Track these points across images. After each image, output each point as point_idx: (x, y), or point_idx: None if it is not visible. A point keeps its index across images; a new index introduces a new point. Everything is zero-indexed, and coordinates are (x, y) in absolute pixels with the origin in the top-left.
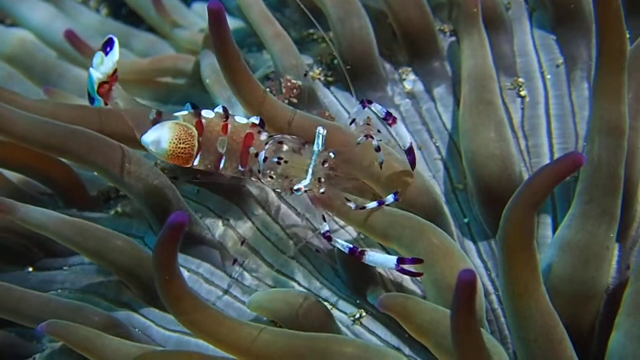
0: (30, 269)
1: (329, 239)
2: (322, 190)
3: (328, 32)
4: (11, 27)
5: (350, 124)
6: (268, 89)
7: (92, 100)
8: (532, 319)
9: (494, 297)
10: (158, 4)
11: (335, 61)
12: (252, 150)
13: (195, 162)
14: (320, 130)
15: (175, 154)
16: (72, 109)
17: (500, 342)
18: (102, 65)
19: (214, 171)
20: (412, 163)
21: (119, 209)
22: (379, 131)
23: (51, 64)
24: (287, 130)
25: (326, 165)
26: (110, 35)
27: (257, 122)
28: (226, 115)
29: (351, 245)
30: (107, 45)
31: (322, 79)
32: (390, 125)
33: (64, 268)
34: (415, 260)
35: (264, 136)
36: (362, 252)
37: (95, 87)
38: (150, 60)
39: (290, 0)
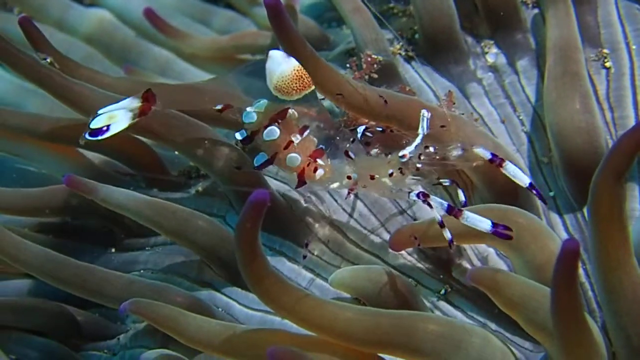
0: (113, 250)
1: (426, 195)
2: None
3: (408, 6)
4: (90, 7)
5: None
6: (348, 66)
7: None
8: (624, 292)
9: (581, 271)
10: None
11: (417, 36)
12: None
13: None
14: (425, 113)
15: (300, 74)
16: (152, 87)
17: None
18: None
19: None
20: (540, 198)
21: (200, 188)
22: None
23: (130, 43)
24: (383, 112)
25: (422, 157)
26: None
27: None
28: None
29: (447, 203)
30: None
31: (403, 54)
32: (499, 166)
33: (146, 248)
34: (508, 227)
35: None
36: (460, 211)
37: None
38: (230, 37)
39: None
